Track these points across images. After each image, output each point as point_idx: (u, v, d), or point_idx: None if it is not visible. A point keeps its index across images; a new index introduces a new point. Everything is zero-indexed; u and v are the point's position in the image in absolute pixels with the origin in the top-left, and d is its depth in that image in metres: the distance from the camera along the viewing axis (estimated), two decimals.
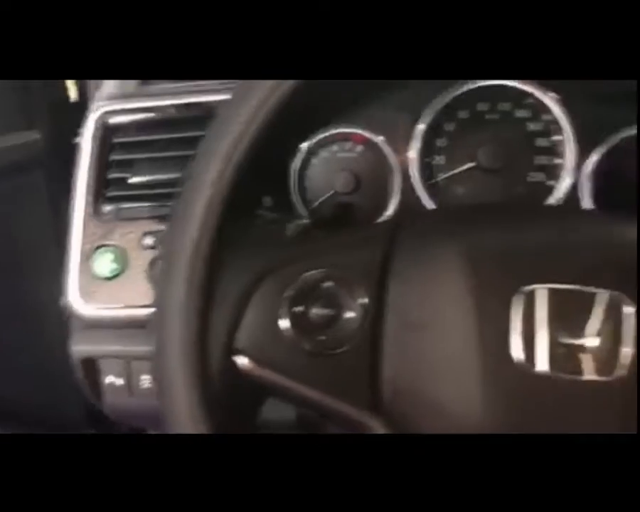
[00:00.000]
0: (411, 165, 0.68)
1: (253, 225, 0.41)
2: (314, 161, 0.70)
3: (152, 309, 0.38)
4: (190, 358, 0.36)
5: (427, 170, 0.68)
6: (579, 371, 0.33)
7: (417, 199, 0.68)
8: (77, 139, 0.74)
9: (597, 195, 0.65)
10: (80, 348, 0.60)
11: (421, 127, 0.68)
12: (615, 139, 0.64)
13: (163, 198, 0.60)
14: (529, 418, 0.34)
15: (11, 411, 0.82)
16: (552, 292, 0.34)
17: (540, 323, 0.34)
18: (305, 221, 0.48)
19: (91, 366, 0.61)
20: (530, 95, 0.66)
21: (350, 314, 0.38)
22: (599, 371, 0.33)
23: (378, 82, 0.60)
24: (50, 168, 0.78)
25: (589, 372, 0.33)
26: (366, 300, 0.37)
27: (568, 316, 0.34)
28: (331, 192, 0.69)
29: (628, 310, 0.34)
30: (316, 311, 0.38)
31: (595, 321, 0.34)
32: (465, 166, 0.67)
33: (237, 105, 0.37)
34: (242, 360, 0.38)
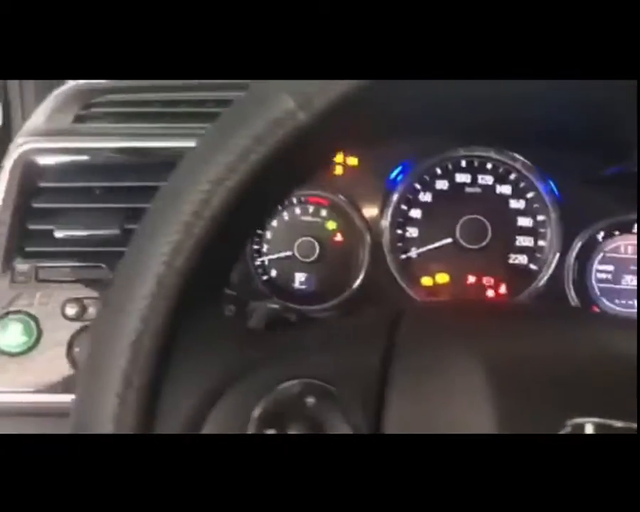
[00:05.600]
0: (383, 236, 0.61)
1: (210, 312, 0.32)
2: (273, 223, 0.62)
3: (71, 411, 0.28)
4: None
5: (400, 242, 0.61)
6: None
7: (387, 272, 0.61)
8: None
9: (580, 283, 0.60)
10: None
11: (395, 196, 0.61)
12: (602, 224, 0.60)
13: (93, 258, 0.49)
14: None
15: None
16: (598, 427, 0.27)
17: None
18: (274, 306, 0.39)
19: None
20: (513, 169, 0.61)
21: None
22: None
23: (349, 144, 0.53)
24: None
25: None
26: (359, 422, 0.29)
27: None
28: (288, 253, 0.61)
29: None
30: None
31: None
32: (441, 242, 0.61)
33: (210, 155, 0.28)
34: None
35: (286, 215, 0.62)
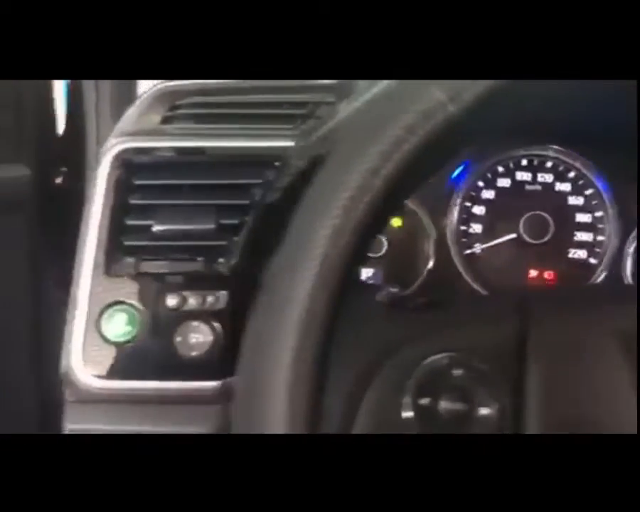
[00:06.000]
0: (447, 232, 0.63)
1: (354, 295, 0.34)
2: None
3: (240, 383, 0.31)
4: None
5: (464, 238, 0.64)
6: None
7: (452, 267, 0.64)
8: (59, 180, 0.65)
9: (637, 275, 0.63)
10: (79, 427, 0.49)
11: (459, 193, 0.64)
12: None
13: (190, 252, 0.52)
14: None
15: None
16: None
17: None
18: (394, 289, 0.41)
19: None
20: (573, 168, 0.64)
21: (485, 411, 0.31)
22: None
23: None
24: (30, 211, 0.66)
25: None
26: (503, 391, 0.31)
27: None
28: None
29: None
30: (445, 405, 0.31)
31: None
32: (506, 238, 0.63)
33: (366, 146, 0.31)
34: None
35: None
